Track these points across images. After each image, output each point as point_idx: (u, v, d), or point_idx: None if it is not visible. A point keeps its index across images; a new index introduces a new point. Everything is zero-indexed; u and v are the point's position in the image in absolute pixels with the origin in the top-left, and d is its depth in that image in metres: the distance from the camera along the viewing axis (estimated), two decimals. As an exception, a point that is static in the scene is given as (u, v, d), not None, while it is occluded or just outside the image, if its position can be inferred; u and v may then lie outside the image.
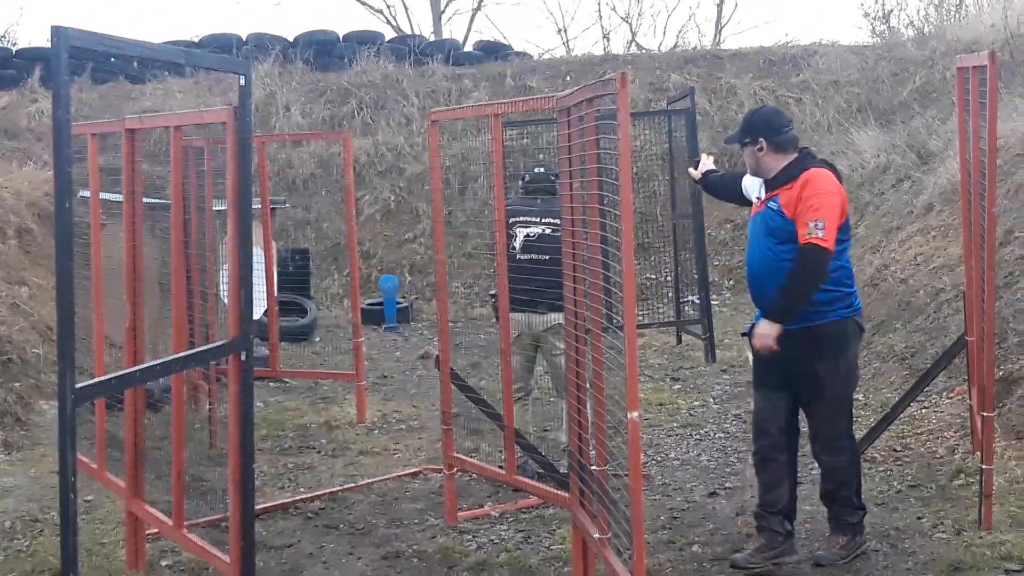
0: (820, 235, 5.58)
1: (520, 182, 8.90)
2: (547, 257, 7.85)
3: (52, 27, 4.38)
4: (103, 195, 7.96)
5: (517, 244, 8.15)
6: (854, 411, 6.71)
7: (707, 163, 7.23)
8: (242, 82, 5.38)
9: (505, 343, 7.33)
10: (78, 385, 4.32)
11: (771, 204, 6.01)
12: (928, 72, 17.40)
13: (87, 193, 8.29)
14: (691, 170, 7.35)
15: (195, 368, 7.91)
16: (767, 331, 5.84)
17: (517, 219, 8.26)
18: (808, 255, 5.64)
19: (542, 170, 8.64)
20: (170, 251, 6.76)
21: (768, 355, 6.10)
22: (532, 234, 8.18)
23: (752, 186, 6.45)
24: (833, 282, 5.85)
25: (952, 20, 21.42)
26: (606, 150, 5.53)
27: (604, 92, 5.40)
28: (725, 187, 7.12)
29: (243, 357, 5.45)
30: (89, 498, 7.86)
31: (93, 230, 7.46)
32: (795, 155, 6.02)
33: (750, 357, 6.42)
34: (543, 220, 8.20)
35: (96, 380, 5.09)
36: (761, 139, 6.00)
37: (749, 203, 6.58)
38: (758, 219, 6.15)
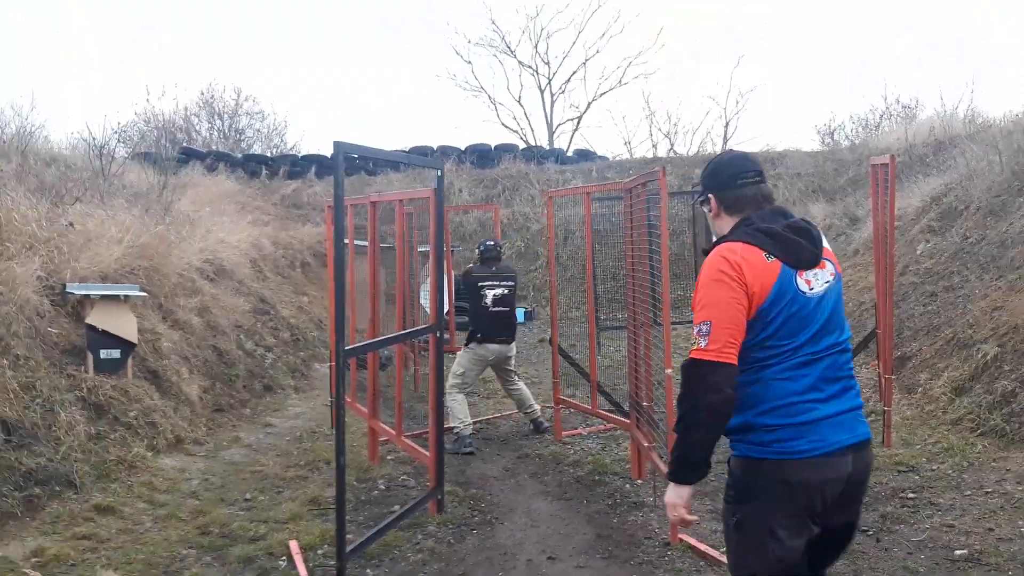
0: (703, 344, 2.46)
1: (477, 252, 8.13)
2: (508, 308, 7.75)
3: (334, 142, 4.41)
4: (357, 241, 8.44)
5: (489, 300, 7.59)
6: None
7: None
8: (439, 174, 5.84)
9: (591, 336, 7.58)
10: (346, 347, 4.65)
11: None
12: (857, 168, 17.33)
13: (346, 240, 8.65)
14: None
15: (408, 342, 8.24)
16: (670, 499, 2.62)
17: (484, 283, 7.66)
18: (685, 374, 2.51)
19: (491, 243, 7.98)
20: (394, 275, 7.12)
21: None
22: (498, 294, 7.63)
23: None
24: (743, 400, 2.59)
25: (873, 134, 21.14)
26: (653, 215, 5.69)
27: (651, 179, 5.83)
28: None
29: (438, 335, 5.83)
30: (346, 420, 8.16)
31: (349, 262, 7.91)
32: (737, 219, 2.70)
33: None
34: (503, 283, 7.71)
35: (353, 346, 5.42)
36: (709, 194, 2.77)
37: None
38: None
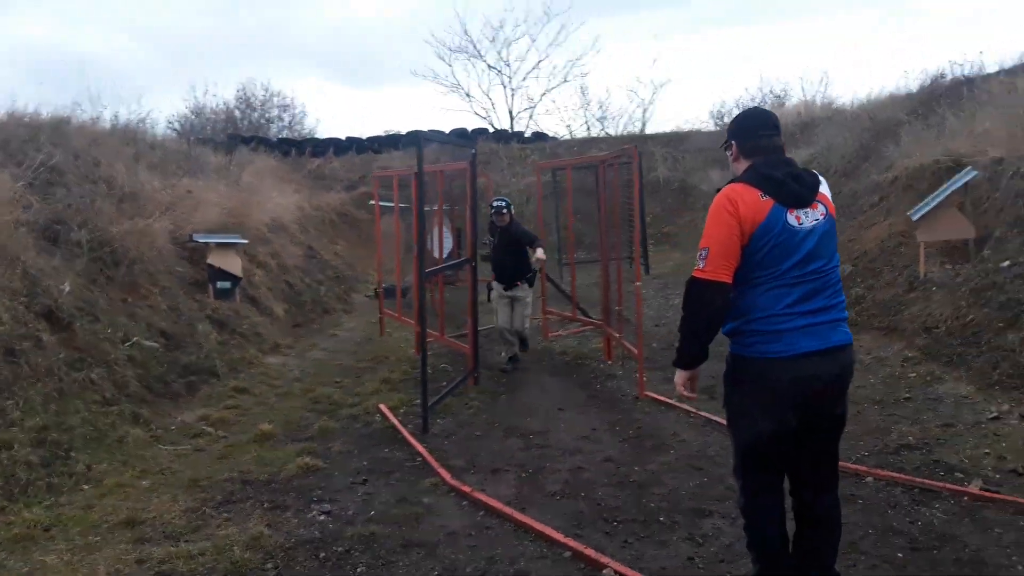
0: (701, 265, 2.44)
1: (490, 209, 7.02)
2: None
3: (416, 131, 5.31)
4: (386, 203, 8.55)
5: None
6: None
7: None
8: (473, 151, 6.04)
9: (572, 266, 7.79)
10: (426, 270, 5.27)
11: None
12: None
13: (388, 203, 8.87)
14: None
15: (444, 273, 8.45)
16: (676, 379, 2.65)
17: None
18: (687, 289, 2.51)
19: (500, 202, 6.95)
20: (432, 226, 7.38)
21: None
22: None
23: None
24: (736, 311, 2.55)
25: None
26: (626, 179, 6.05)
27: (625, 155, 6.02)
28: None
29: (472, 265, 6.53)
30: (389, 331, 8.91)
31: (395, 221, 8.06)
32: (749, 164, 2.58)
33: None
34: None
35: (431, 268, 5.80)
36: (732, 141, 2.65)
37: None
38: None
